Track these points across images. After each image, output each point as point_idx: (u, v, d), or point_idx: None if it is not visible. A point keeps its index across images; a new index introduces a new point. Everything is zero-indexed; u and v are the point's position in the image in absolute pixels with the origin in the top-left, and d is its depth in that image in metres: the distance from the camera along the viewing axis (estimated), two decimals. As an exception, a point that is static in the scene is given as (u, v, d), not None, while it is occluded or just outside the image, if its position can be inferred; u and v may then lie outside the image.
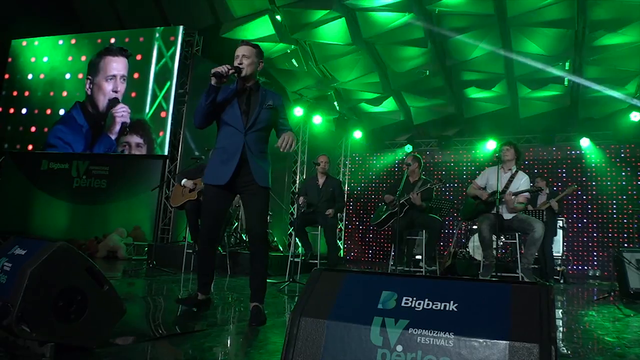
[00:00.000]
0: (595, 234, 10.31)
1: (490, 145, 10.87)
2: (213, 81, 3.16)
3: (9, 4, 9.13)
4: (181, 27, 8.84)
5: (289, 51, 9.78)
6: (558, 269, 8.04)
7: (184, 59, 8.79)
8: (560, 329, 3.49)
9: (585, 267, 10.20)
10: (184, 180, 6.44)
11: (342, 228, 12.06)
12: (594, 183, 10.55)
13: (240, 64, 3.24)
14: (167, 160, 8.58)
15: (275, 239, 8.54)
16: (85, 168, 9.85)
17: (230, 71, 3.17)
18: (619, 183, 10.32)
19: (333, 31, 9.00)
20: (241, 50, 3.30)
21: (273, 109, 3.34)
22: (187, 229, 6.51)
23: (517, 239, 5.90)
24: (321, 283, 1.35)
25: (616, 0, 7.60)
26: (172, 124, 8.57)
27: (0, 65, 9.80)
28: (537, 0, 7.90)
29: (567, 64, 9.34)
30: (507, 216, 5.57)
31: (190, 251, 6.46)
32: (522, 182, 5.54)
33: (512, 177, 5.57)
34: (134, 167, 9.37)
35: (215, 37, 9.24)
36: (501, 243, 8.43)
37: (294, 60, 9.99)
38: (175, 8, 9.63)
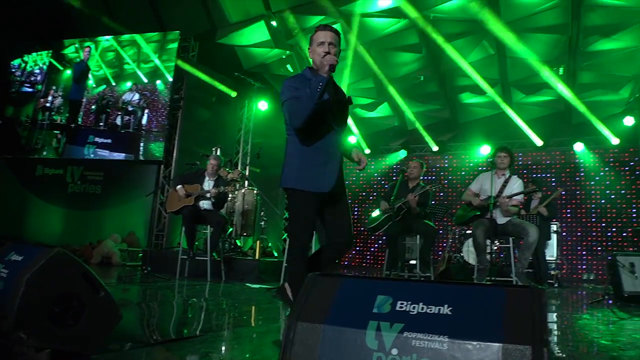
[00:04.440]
0: (589, 238, 10.36)
1: (484, 150, 10.91)
2: (328, 75, 2.69)
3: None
4: (177, 33, 8.89)
5: (284, 57, 9.82)
6: (552, 272, 8.07)
7: (180, 64, 8.81)
8: (555, 331, 3.52)
9: (580, 271, 10.24)
10: (178, 187, 6.46)
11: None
12: (588, 187, 10.60)
13: (327, 52, 2.74)
14: (162, 166, 8.59)
15: (270, 244, 8.55)
16: (80, 173, 9.84)
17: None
18: (616, 187, 10.38)
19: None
20: (327, 37, 2.77)
21: (350, 101, 3.01)
22: (182, 234, 6.51)
23: (511, 243, 5.92)
24: (317, 288, 1.37)
25: (610, 6, 7.68)
26: (167, 129, 8.59)
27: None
28: (532, 6, 7.98)
29: (561, 69, 9.42)
30: (501, 221, 5.60)
31: (185, 257, 6.46)
32: (515, 186, 5.58)
33: (506, 181, 5.61)
34: (128, 172, 9.38)
35: (211, 42, 9.27)
36: (495, 247, 8.46)
37: (289, 66, 10.03)
38: (171, 13, 9.65)
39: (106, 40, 9.66)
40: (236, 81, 9.62)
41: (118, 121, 9.08)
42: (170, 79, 8.81)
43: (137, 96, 9.15)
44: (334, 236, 2.88)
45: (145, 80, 9.15)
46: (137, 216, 9.09)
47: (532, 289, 1.28)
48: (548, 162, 11.06)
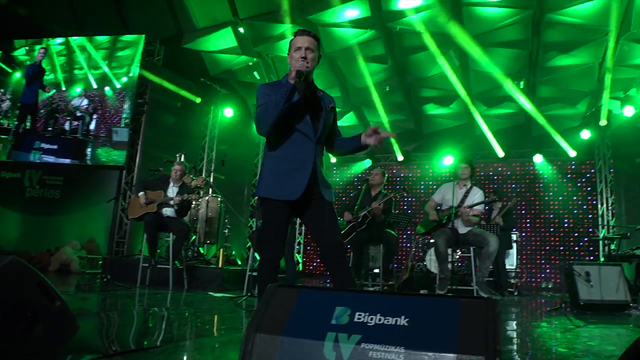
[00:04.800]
0: (548, 247, 10.67)
1: (447, 160, 11.13)
2: (297, 82, 2.67)
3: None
4: (143, 36, 8.78)
5: (250, 64, 9.81)
6: (512, 281, 8.27)
7: (144, 68, 8.69)
8: (514, 339, 3.60)
9: (539, 280, 10.52)
10: (140, 193, 6.35)
11: (301, 242, 12.07)
12: (546, 198, 10.93)
13: (304, 57, 2.70)
14: (124, 171, 8.44)
15: (234, 252, 8.49)
16: (38, 178, 9.57)
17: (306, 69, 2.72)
18: (569, 198, 10.74)
19: (295, 45, 9.07)
20: (304, 41, 2.73)
21: (333, 111, 2.91)
22: (144, 241, 6.39)
23: (472, 252, 6.05)
24: (276, 299, 1.38)
25: (568, 24, 7.97)
26: (130, 134, 8.45)
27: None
28: (494, 21, 8.21)
29: (522, 83, 9.70)
30: (463, 230, 5.73)
31: (147, 265, 6.35)
32: (476, 196, 5.73)
33: (468, 192, 5.75)
34: (89, 177, 9.17)
35: (177, 47, 9.19)
36: (457, 257, 8.61)
37: (256, 73, 10.02)
38: (136, 17, 9.52)
39: (59, 44, 9.45)
40: (202, 87, 9.56)
41: (67, 126, 8.92)
42: (119, 86, 8.79)
43: (85, 101, 9.03)
44: (323, 241, 2.84)
45: (95, 86, 9.04)
46: (97, 222, 8.89)
47: (486, 300, 1.32)
48: (509, 173, 11.37)
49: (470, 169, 5.87)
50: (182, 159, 8.05)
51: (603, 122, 9.29)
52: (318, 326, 1.31)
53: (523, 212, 10.72)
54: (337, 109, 9.68)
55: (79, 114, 8.93)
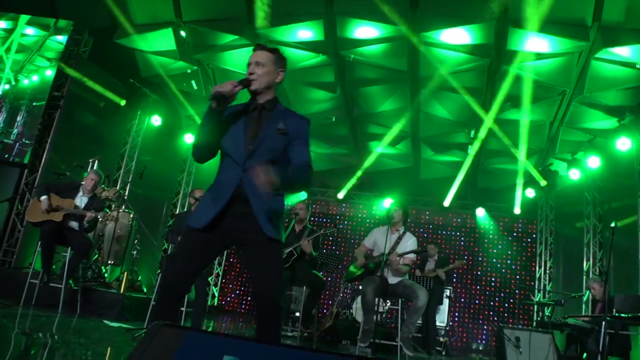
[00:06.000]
0: (482, 306, 11.04)
1: (387, 202, 11.40)
2: (213, 104, 2.66)
3: None
4: (70, 23, 8.54)
5: (189, 71, 9.75)
6: (441, 339, 8.47)
7: (66, 59, 8.43)
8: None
9: (469, 339, 10.83)
10: (43, 197, 6.08)
11: (220, 273, 11.88)
12: (485, 254, 11.37)
13: (251, 73, 2.77)
14: (26, 171, 8.07)
15: (140, 277, 8.23)
16: None
17: (237, 88, 2.67)
18: (509, 257, 11.22)
19: (240, 59, 9.12)
20: (255, 57, 2.81)
21: (284, 134, 2.76)
22: (37, 253, 6.09)
23: (400, 305, 6.16)
24: (159, 339, 1.35)
25: (525, 78, 8.47)
26: (39, 129, 8.12)
27: None
28: (450, 65, 8.60)
29: (472, 132, 10.16)
30: (392, 280, 5.83)
31: (36, 281, 6.04)
32: (409, 243, 5.86)
33: (400, 238, 5.88)
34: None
35: (108, 40, 9.00)
36: (387, 307, 8.75)
37: (193, 82, 9.96)
38: (68, 1, 9.25)
39: None
40: (130, 89, 9.34)
41: None
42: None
43: None
44: (254, 287, 2.75)
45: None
46: (-17, 225, 8.38)
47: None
48: (449, 223, 11.76)
49: (402, 213, 6.00)
50: (96, 166, 7.82)
51: (542, 182, 9.86)
52: (202, 374, 1.30)
53: (464, 267, 11.10)
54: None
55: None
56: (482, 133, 9.81)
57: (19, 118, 8.48)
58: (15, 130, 8.38)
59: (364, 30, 8.40)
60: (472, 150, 10.53)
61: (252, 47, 8.39)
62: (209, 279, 10.93)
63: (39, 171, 8.07)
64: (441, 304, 8.76)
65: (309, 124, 2.89)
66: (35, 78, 8.60)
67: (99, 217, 6.10)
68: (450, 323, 9.68)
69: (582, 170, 9.38)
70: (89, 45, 8.84)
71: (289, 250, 6.33)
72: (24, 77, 8.69)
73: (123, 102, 9.39)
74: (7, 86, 8.66)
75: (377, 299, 5.78)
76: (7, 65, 8.81)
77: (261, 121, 2.76)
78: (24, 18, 8.97)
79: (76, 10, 8.84)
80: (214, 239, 2.74)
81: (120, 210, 7.92)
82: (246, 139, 2.73)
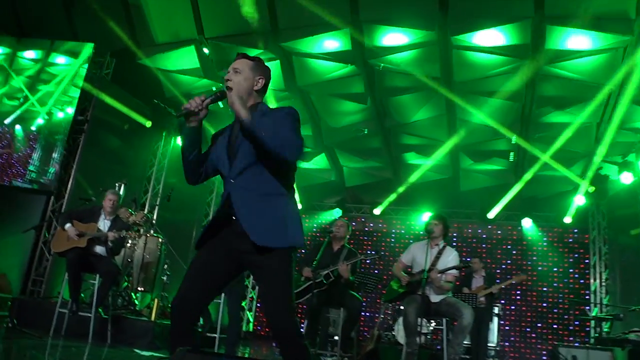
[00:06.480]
0: (534, 324, 10.69)
1: (426, 217, 11.23)
2: (185, 121, 2.73)
3: None
4: (91, 45, 8.71)
5: (214, 89, 9.83)
6: (491, 360, 8.24)
7: (89, 82, 8.59)
8: None
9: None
10: (67, 225, 6.16)
11: (254, 298, 11.85)
12: (534, 268, 11.04)
13: (228, 80, 2.81)
14: (53, 197, 8.21)
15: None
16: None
17: (205, 102, 2.70)
18: (560, 270, 10.87)
19: (265, 73, 9.16)
20: (231, 67, 2.87)
21: (267, 119, 2.72)
22: (65, 282, 6.16)
23: (444, 324, 6.00)
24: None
25: (565, 78, 8.28)
26: (64, 154, 8.28)
27: None
28: (485, 69, 8.47)
29: (513, 138, 9.95)
30: (435, 299, 5.67)
31: (66, 311, 6.09)
32: (450, 258, 5.69)
33: (440, 253, 5.72)
34: (8, 202, 8.85)
35: (130, 62, 9.17)
36: (431, 328, 8.56)
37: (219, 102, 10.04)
38: (88, 24, 9.47)
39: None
40: (154, 109, 9.48)
41: None
42: (34, 128, 8.56)
43: None
44: (264, 311, 2.74)
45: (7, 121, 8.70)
46: (12, 255, 8.51)
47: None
48: (493, 236, 11.49)
49: (442, 226, 5.84)
50: (122, 189, 7.91)
51: (591, 188, 9.58)
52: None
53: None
54: (306, 149, 9.57)
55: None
56: (524, 138, 9.62)
57: (54, 155, 8.36)
58: (52, 170, 8.29)
59: (392, 37, 8.36)
60: (515, 157, 10.33)
61: (277, 61, 8.39)
62: (243, 304, 10.91)
63: (65, 197, 8.22)
64: (491, 321, 8.53)
65: (294, 112, 2.79)
66: (70, 110, 8.58)
67: (122, 235, 6.14)
68: (501, 343, 9.40)
69: (634, 172, 9.08)
70: (111, 67, 9.01)
71: (326, 272, 6.22)
72: (57, 109, 8.66)
73: (149, 124, 9.51)
74: (40, 120, 8.62)
75: (419, 320, 5.64)
76: (36, 97, 8.81)
77: (239, 128, 2.69)
78: (56, 45, 9.11)
79: (97, 33, 9.04)
80: (219, 258, 2.70)
81: (149, 235, 7.98)
82: (228, 150, 2.77)
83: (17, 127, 8.66)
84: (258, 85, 2.86)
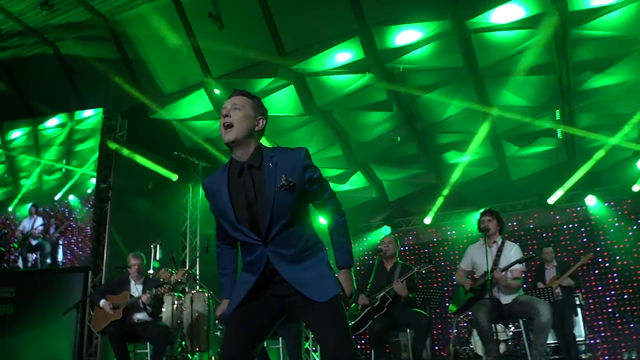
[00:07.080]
0: (616, 310, 10.20)
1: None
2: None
3: None
4: (100, 110, 8.89)
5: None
6: (583, 357, 7.90)
7: (105, 147, 8.75)
8: None
9: (616, 352, 10.01)
10: (102, 301, 6.25)
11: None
12: (606, 248, 10.59)
13: (227, 116, 2.66)
14: (90, 272, 8.33)
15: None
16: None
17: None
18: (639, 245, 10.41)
19: (282, 101, 9.21)
20: (229, 101, 2.71)
21: (291, 187, 2.59)
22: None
23: (522, 326, 5.79)
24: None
25: (598, 38, 8.05)
26: (94, 226, 8.41)
27: None
28: (508, 47, 8.31)
29: (557, 114, 9.69)
30: (505, 300, 5.49)
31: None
32: (512, 253, 5.50)
33: (500, 250, 5.53)
34: (48, 284, 9.01)
35: (143, 118, 9.34)
36: (510, 333, 8.31)
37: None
38: (93, 88, 9.71)
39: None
40: (177, 162, 9.58)
41: (20, 264, 8.75)
42: (89, 191, 8.72)
43: (40, 221, 8.77)
44: (322, 352, 2.68)
45: (57, 198, 8.95)
46: (61, 339, 8.62)
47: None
48: (556, 222, 11.12)
49: (497, 221, 5.67)
50: (158, 251, 7.97)
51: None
52: None
53: (583, 268, 10.34)
54: (340, 170, 9.51)
55: (34, 242, 8.70)
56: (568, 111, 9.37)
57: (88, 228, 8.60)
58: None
59: (405, 35, 8.34)
60: (563, 133, 10.04)
61: (291, 85, 8.41)
62: (306, 345, 10.77)
63: (103, 270, 8.31)
64: (575, 314, 8.21)
65: (305, 152, 2.70)
66: (93, 180, 8.77)
67: (153, 293, 6.15)
68: (590, 336, 9.02)
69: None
70: (124, 128, 9.15)
71: (382, 294, 6.10)
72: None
73: (175, 177, 9.62)
74: (93, 180, 8.71)
75: (493, 325, 5.45)
76: (74, 161, 9.09)
77: (255, 180, 2.63)
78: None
79: (103, 96, 9.26)
80: (259, 305, 2.68)
81: (194, 292, 7.98)
82: (251, 215, 2.63)
83: (71, 197, 8.87)
84: (259, 125, 2.72)
